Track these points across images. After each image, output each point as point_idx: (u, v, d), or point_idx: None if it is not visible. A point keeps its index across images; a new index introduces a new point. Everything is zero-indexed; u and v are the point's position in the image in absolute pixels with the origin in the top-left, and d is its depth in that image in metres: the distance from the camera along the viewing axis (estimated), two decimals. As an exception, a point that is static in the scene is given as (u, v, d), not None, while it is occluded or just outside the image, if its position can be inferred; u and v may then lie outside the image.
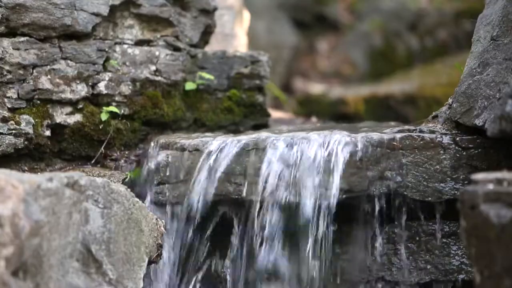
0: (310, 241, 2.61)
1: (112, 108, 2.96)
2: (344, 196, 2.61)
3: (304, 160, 2.63)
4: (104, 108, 2.95)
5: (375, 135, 2.66)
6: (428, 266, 2.65)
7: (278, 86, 5.47)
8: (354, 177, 2.62)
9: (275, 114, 3.82)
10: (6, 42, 2.80)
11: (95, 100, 2.97)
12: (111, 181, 2.38)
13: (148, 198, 2.79)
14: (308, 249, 2.61)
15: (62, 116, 2.91)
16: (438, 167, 2.63)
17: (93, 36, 2.96)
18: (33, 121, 2.82)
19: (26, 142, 2.81)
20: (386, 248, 2.66)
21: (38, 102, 2.86)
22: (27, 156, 2.87)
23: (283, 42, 6.85)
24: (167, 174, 2.77)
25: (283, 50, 6.76)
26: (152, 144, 2.90)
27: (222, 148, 2.71)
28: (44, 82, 2.85)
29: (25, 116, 2.81)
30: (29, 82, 2.83)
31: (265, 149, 2.67)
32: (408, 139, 2.64)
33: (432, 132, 2.70)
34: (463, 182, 2.60)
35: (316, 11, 7.60)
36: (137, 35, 3.08)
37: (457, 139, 2.65)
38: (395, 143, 2.63)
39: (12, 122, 2.79)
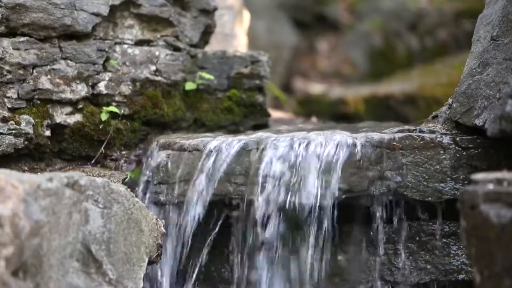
0: (310, 241, 2.61)
1: (112, 108, 2.96)
2: (344, 196, 2.61)
3: (304, 160, 2.63)
4: (104, 108, 2.95)
5: (375, 135, 2.66)
6: (428, 266, 2.65)
7: (278, 86, 5.47)
8: (354, 177, 2.63)
9: (275, 114, 3.82)
10: (6, 42, 2.80)
11: (95, 100, 2.97)
12: (111, 181, 2.38)
13: (148, 198, 2.79)
14: (308, 249, 2.61)
15: (62, 116, 2.91)
16: (438, 167, 2.63)
17: (93, 36, 2.96)
18: (33, 121, 2.82)
19: (26, 142, 2.81)
20: (386, 248, 2.66)
21: (38, 102, 2.86)
22: (27, 156, 2.87)
23: (283, 42, 6.85)
24: (167, 174, 2.77)
25: (283, 50, 6.76)
26: (152, 144, 2.90)
27: (222, 148, 2.72)
28: (44, 82, 2.85)
29: (25, 116, 2.81)
30: (29, 82, 2.83)
31: (265, 149, 2.67)
32: (408, 139, 2.64)
33: (432, 132, 2.70)
34: (463, 182, 2.60)
35: (316, 11, 7.60)
36: (137, 35, 3.08)
37: (457, 139, 2.65)
38: (395, 143, 2.63)
39: (12, 122, 2.79)
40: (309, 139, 2.67)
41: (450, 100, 2.79)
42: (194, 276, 2.72)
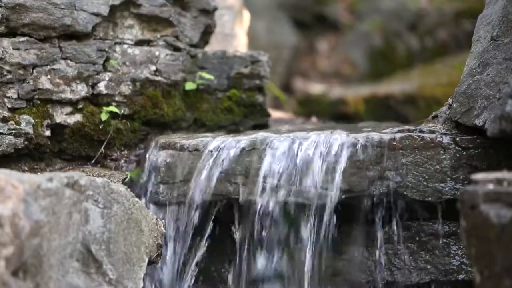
0: (310, 241, 2.61)
1: (112, 108, 2.96)
2: (344, 196, 2.61)
3: (304, 160, 2.63)
4: (104, 108, 2.95)
5: (375, 135, 2.66)
6: (428, 266, 2.65)
7: (278, 86, 5.47)
8: (354, 177, 2.63)
9: (275, 114, 3.82)
10: (6, 42, 2.80)
11: (95, 100, 2.97)
12: (111, 181, 2.38)
13: (148, 198, 2.79)
14: (308, 249, 2.61)
15: (62, 116, 2.91)
16: (438, 167, 2.63)
17: (93, 36, 2.96)
18: (33, 121, 2.82)
19: (26, 142, 2.81)
20: (386, 248, 2.66)
21: (38, 102, 2.86)
22: (27, 156, 2.87)
23: (283, 42, 6.85)
24: (167, 174, 2.77)
25: (283, 50, 6.76)
26: (152, 144, 2.90)
27: (222, 148, 2.71)
28: (44, 82, 2.85)
29: (25, 116, 2.81)
30: (29, 82, 2.83)
31: (265, 149, 2.67)
32: (408, 139, 2.64)
33: (432, 132, 2.70)
34: (463, 182, 2.60)
35: (316, 11, 7.60)
36: (137, 35, 3.08)
37: (457, 139, 2.65)
38: (395, 143, 2.63)
39: (12, 122, 2.79)
40: (309, 139, 2.67)
41: (450, 100, 2.79)
42: (194, 276, 2.72)
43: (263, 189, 2.63)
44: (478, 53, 2.73)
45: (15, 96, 2.81)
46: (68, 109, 2.92)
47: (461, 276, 2.63)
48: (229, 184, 2.69)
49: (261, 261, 2.67)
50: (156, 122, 3.08)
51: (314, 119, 4.18)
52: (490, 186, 1.91)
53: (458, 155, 2.63)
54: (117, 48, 3.03)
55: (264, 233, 2.64)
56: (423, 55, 6.96)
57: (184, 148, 2.78)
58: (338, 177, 2.60)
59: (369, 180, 2.62)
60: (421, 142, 2.64)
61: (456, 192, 2.59)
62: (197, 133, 3.10)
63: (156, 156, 2.82)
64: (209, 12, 3.25)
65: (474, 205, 1.89)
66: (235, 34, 4.30)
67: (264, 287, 2.69)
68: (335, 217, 2.61)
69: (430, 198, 2.62)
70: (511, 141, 2.44)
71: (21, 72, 2.81)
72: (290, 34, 7.04)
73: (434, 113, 2.88)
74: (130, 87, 3.02)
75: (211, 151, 2.72)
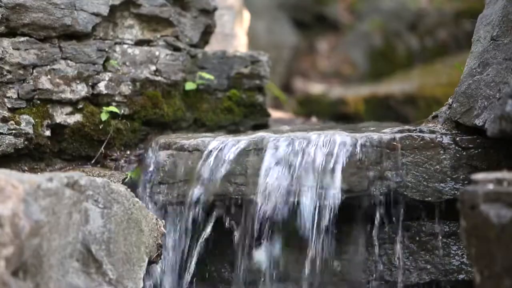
0: (310, 241, 2.61)
1: (112, 108, 2.96)
2: (344, 196, 2.61)
3: (304, 160, 2.63)
4: (104, 108, 2.95)
5: (375, 135, 2.66)
6: (428, 266, 2.65)
7: (278, 86, 5.47)
8: (354, 177, 2.63)
9: (275, 114, 3.82)
10: (6, 42, 2.80)
11: (95, 100, 2.97)
12: (111, 181, 2.38)
13: (148, 198, 2.79)
14: (308, 249, 2.61)
15: (62, 116, 2.91)
16: (438, 167, 2.63)
17: (93, 36, 2.96)
18: (33, 121, 2.82)
19: (26, 142, 2.81)
20: (386, 248, 2.66)
21: (38, 102, 2.86)
22: (27, 156, 2.87)
23: (283, 42, 6.85)
24: (167, 174, 2.77)
25: (283, 50, 6.76)
26: (152, 144, 2.90)
27: (222, 148, 2.72)
28: (44, 82, 2.86)
29: (25, 116, 2.81)
30: (29, 82, 2.83)
31: (265, 149, 2.68)
32: (408, 139, 2.64)
33: (432, 132, 2.70)
34: (463, 182, 2.61)
35: (316, 11, 7.60)
36: (137, 35, 3.08)
37: (457, 139, 2.65)
38: (395, 143, 2.63)
39: (12, 122, 2.79)
40: (309, 139, 2.67)
41: (450, 100, 2.79)
42: (194, 276, 2.72)
43: (263, 189, 2.63)
44: (478, 53, 2.73)
45: (15, 96, 2.81)
46: (68, 109, 2.92)
47: (461, 276, 2.63)
48: (229, 184, 2.69)
49: (261, 261, 2.67)
50: (156, 122, 3.08)
51: (314, 119, 4.18)
52: (490, 186, 1.91)
53: (458, 155, 2.63)
54: (117, 48, 3.03)
55: (264, 233, 2.64)
56: (423, 55, 6.96)
57: (184, 148, 2.78)
58: (338, 177, 2.60)
59: (369, 180, 2.62)
60: (421, 142, 2.64)
61: (456, 192, 2.59)
62: (197, 133, 3.10)
63: (156, 156, 2.82)
64: (209, 12, 3.25)
65: (474, 205, 1.89)
66: (235, 34, 4.30)
67: (264, 287, 2.69)
68: (335, 217, 2.61)
69: (430, 198, 2.62)
70: (511, 141, 2.44)
71: (21, 72, 2.81)
72: (290, 34, 7.04)
73: (434, 113, 2.88)
74: (130, 87, 3.02)
75: (211, 151, 2.72)
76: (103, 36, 2.98)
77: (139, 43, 3.08)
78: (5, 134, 2.77)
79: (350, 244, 2.69)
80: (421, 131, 2.70)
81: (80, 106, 2.93)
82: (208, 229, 2.72)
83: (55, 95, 2.87)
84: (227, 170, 2.68)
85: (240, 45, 4.27)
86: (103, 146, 2.97)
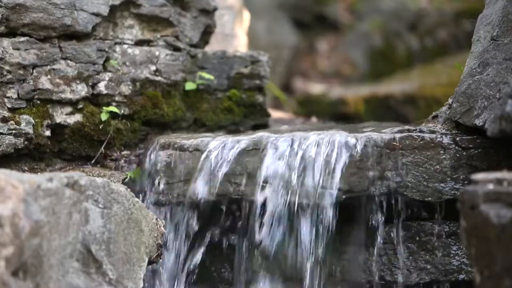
0: (310, 241, 2.61)
1: (112, 108, 2.96)
2: (344, 196, 2.61)
3: (304, 160, 2.63)
4: (104, 108, 2.95)
5: (375, 135, 2.66)
6: (428, 266, 2.65)
7: (278, 86, 5.47)
8: (354, 177, 2.63)
9: (275, 114, 3.82)
10: (6, 42, 2.80)
11: (95, 100, 2.97)
12: (111, 181, 2.38)
13: (148, 198, 2.79)
14: (308, 249, 2.61)
15: (62, 116, 2.91)
16: (438, 167, 2.63)
17: (93, 36, 2.96)
18: (33, 121, 2.82)
19: (26, 142, 2.81)
20: (386, 248, 2.66)
21: (38, 102, 2.86)
22: (27, 156, 2.87)
23: (283, 42, 6.85)
24: (167, 174, 2.77)
25: (283, 50, 6.76)
26: (152, 144, 2.90)
27: (222, 148, 2.72)
28: (44, 82, 2.86)
29: (25, 116, 2.81)
30: (29, 82, 2.83)
31: (265, 149, 2.68)
32: (408, 139, 2.64)
33: (432, 132, 2.70)
34: (463, 182, 2.60)
35: (316, 11, 7.60)
36: (137, 35, 3.08)
37: (457, 139, 2.65)
38: (395, 143, 2.63)
39: (12, 122, 2.79)
40: (309, 139, 2.67)
41: (450, 100, 2.79)
42: (194, 275, 2.72)
43: (263, 189, 2.63)
44: (478, 53, 2.73)
45: (15, 96, 2.81)
46: (68, 109, 2.92)
47: (461, 276, 2.63)
48: (229, 184, 2.69)
49: (260, 261, 2.67)
50: (156, 122, 3.08)
51: (314, 119, 4.18)
52: (490, 186, 1.91)
53: (458, 155, 2.63)
54: (117, 48, 3.03)
55: (264, 233, 2.64)
56: (423, 55, 6.96)
57: (184, 148, 2.78)
58: (338, 177, 2.60)
59: (369, 180, 2.62)
60: (421, 142, 2.64)
61: (456, 192, 2.59)
62: (197, 133, 3.10)
63: (156, 156, 2.82)
64: (209, 12, 3.25)
65: (474, 205, 1.89)
66: (235, 34, 4.30)
67: (264, 286, 2.68)
68: (335, 217, 2.61)
69: (430, 198, 2.62)
70: (511, 141, 2.44)
71: (21, 72, 2.81)
72: (290, 34, 7.04)
73: (434, 113, 2.88)
74: (130, 87, 3.02)
75: (211, 151, 2.72)
76: (103, 36, 2.98)
77: (139, 43, 3.08)
78: (5, 134, 2.77)
79: (350, 244, 2.69)
80: (421, 131, 2.70)
81: (80, 106, 2.93)
82: (208, 229, 2.72)
83: (55, 95, 2.87)
84: (227, 170, 2.68)
85: (240, 45, 4.27)
86: (103, 146, 2.97)
